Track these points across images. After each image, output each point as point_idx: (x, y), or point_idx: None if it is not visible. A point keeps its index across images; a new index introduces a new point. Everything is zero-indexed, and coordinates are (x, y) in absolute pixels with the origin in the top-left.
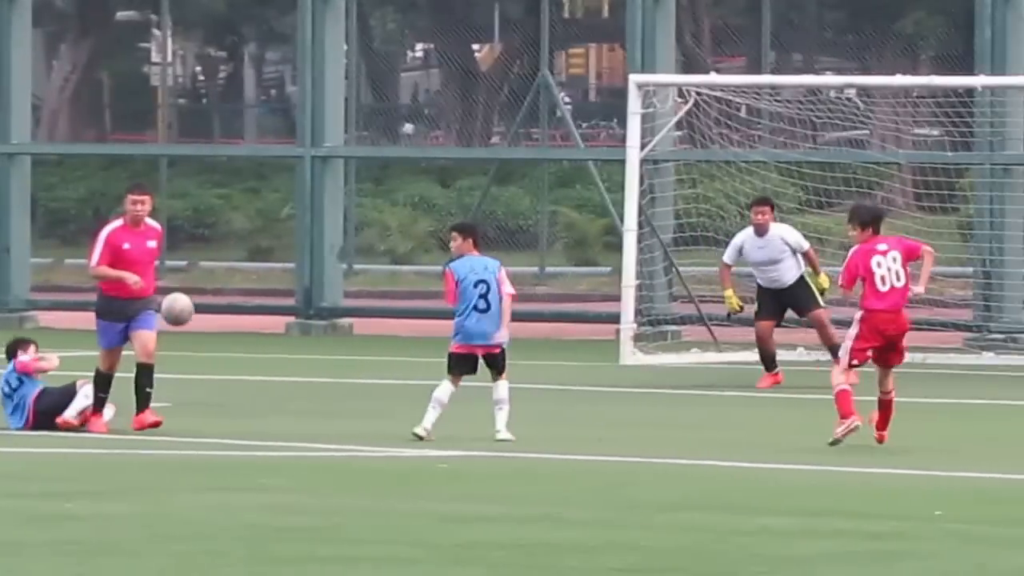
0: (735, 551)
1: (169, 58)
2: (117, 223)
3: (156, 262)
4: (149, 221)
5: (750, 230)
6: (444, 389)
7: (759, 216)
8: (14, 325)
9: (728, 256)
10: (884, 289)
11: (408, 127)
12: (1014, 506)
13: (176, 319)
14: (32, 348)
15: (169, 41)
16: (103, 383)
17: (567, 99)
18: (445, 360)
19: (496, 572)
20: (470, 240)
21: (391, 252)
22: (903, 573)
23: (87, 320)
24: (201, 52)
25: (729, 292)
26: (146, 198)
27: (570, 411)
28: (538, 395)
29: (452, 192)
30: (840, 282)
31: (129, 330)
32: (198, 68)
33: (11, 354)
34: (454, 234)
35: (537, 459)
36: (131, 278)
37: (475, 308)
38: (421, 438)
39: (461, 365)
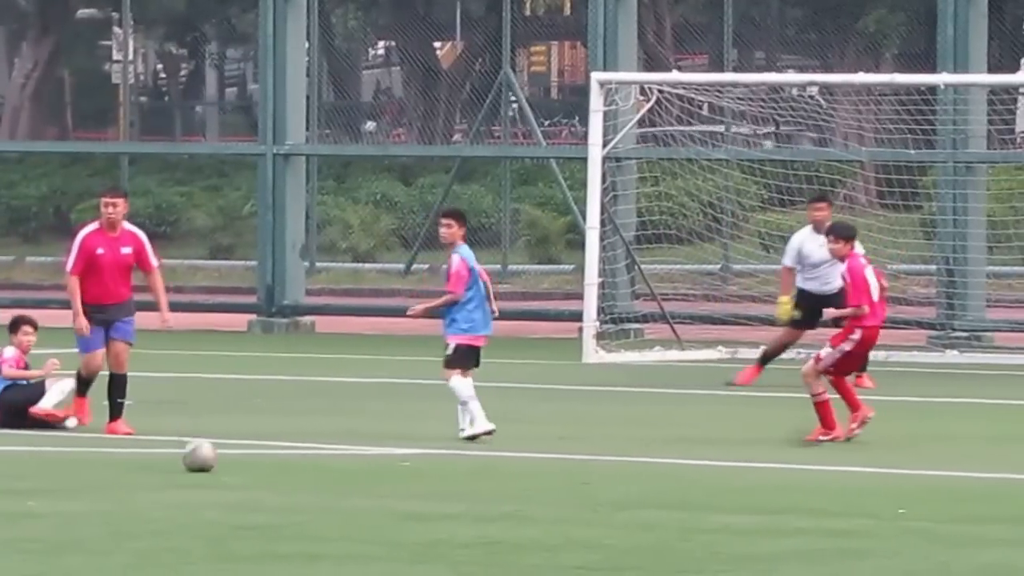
0: (697, 549)
1: (130, 56)
2: (92, 227)
3: (140, 266)
4: (128, 226)
5: (806, 230)
6: (465, 384)
7: (817, 213)
8: None
9: (789, 259)
10: (876, 303)
11: (370, 125)
12: (977, 504)
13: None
14: (29, 332)
15: (130, 39)
16: (84, 387)
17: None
18: (449, 355)
19: (458, 570)
20: (464, 228)
21: (353, 250)
22: (866, 571)
23: (48, 317)
24: (162, 50)
25: (786, 299)
26: (119, 200)
27: (532, 409)
28: (500, 393)
29: (414, 190)
30: (858, 302)
31: (108, 334)
32: (159, 66)
33: (13, 330)
34: (450, 221)
35: (499, 457)
36: (80, 322)
37: (483, 298)
38: (490, 433)
39: (470, 358)
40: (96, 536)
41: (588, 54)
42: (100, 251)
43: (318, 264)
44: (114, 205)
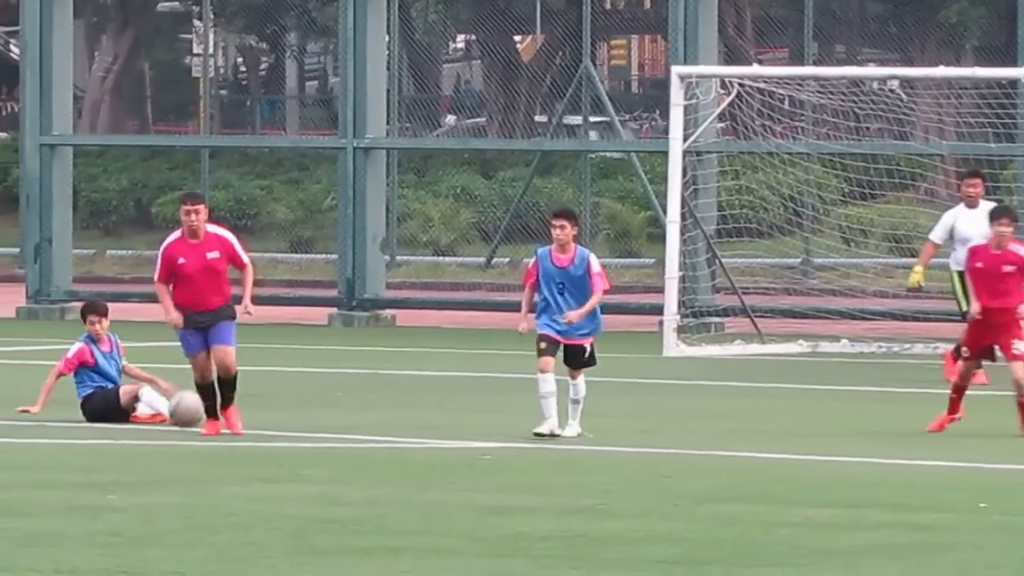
0: (778, 543)
1: (211, 49)
2: (175, 235)
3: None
4: (213, 229)
5: (960, 207)
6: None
7: (971, 188)
8: (55, 316)
9: (936, 234)
10: None
11: (450, 118)
12: None
13: (187, 420)
14: (94, 320)
15: (211, 32)
16: (206, 392)
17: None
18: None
19: (537, 564)
20: (577, 228)
21: (433, 243)
22: (947, 565)
23: (128, 311)
24: (243, 43)
25: (920, 268)
26: (199, 207)
27: (612, 402)
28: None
29: (494, 183)
30: None
31: (208, 341)
32: (240, 59)
33: (85, 317)
34: (564, 222)
35: (579, 451)
36: (171, 315)
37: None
38: (553, 434)
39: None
40: (175, 529)
41: (668, 47)
42: (182, 260)
43: (398, 258)
44: (196, 212)
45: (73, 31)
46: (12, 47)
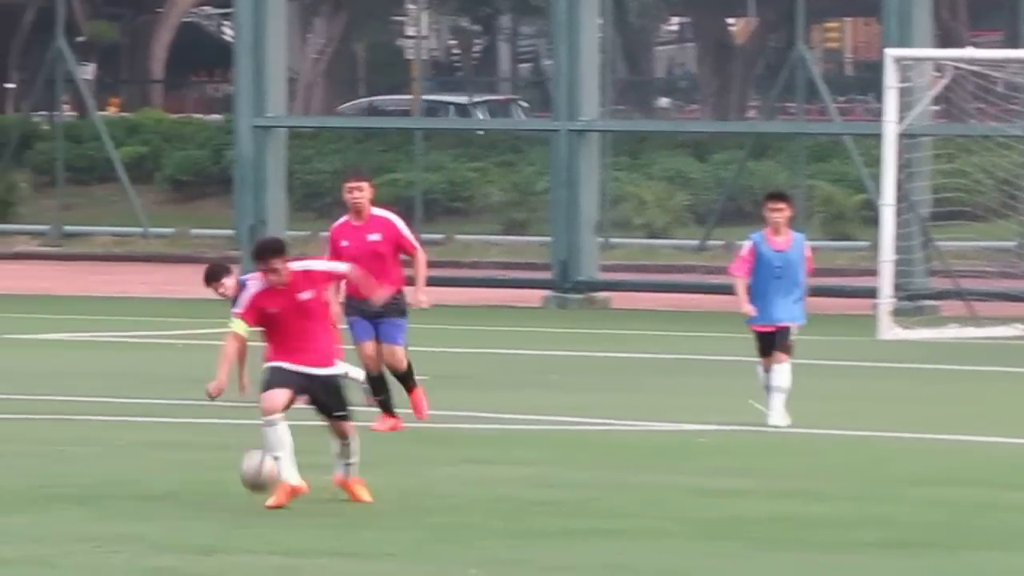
0: (992, 526)
1: (424, 31)
2: (343, 218)
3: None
4: (378, 212)
5: None
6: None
7: None
8: None
9: None
10: None
11: (663, 101)
12: None
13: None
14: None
15: (423, 14)
16: (377, 387)
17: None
18: (753, 340)
19: (751, 546)
20: (793, 210)
21: (647, 226)
22: None
23: None
24: (455, 25)
25: None
26: (362, 184)
27: (826, 385)
28: (794, 369)
29: (708, 166)
30: None
31: (379, 335)
32: (452, 41)
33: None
34: (782, 204)
35: (793, 433)
36: (333, 309)
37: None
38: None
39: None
40: (391, 511)
41: (882, 30)
42: (344, 243)
43: (612, 240)
44: (359, 189)
45: (287, 14)
46: (226, 29)
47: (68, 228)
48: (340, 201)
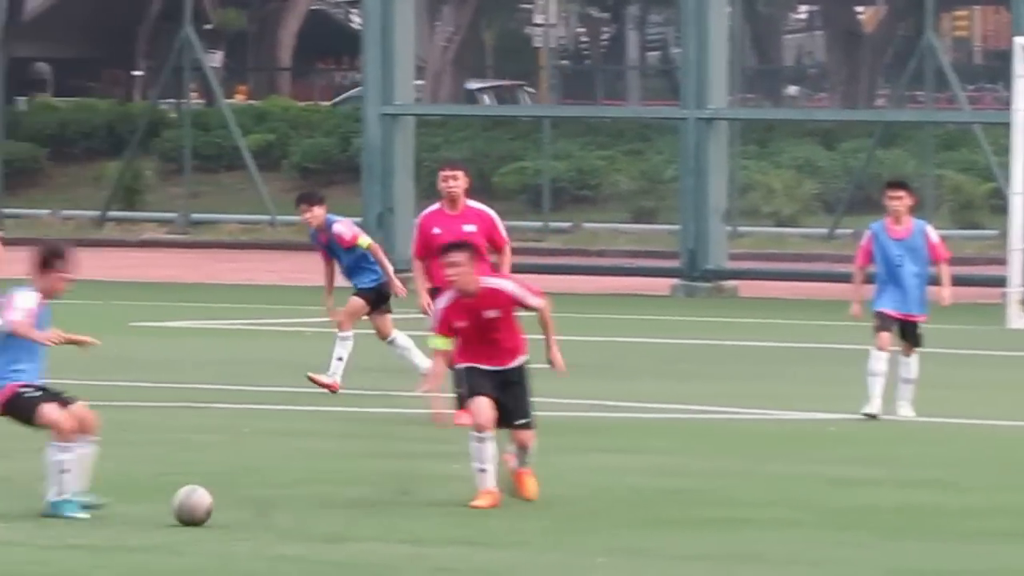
0: None
1: (552, 19)
2: (434, 206)
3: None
4: (474, 204)
5: None
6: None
7: None
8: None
9: None
10: None
11: (792, 89)
12: None
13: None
14: (323, 209)
15: (552, 2)
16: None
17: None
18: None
19: (881, 535)
20: (914, 199)
21: (775, 214)
22: None
23: None
24: (584, 13)
25: None
26: (458, 173)
27: (955, 374)
28: (922, 358)
29: (836, 154)
30: None
31: None
32: (581, 29)
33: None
34: (901, 192)
35: (924, 423)
36: (422, 300)
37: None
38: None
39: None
40: (519, 500)
41: (1012, 18)
42: (437, 231)
43: (740, 228)
44: (453, 178)
45: (415, 1)
46: (353, 17)
47: (195, 216)
48: (470, 189)
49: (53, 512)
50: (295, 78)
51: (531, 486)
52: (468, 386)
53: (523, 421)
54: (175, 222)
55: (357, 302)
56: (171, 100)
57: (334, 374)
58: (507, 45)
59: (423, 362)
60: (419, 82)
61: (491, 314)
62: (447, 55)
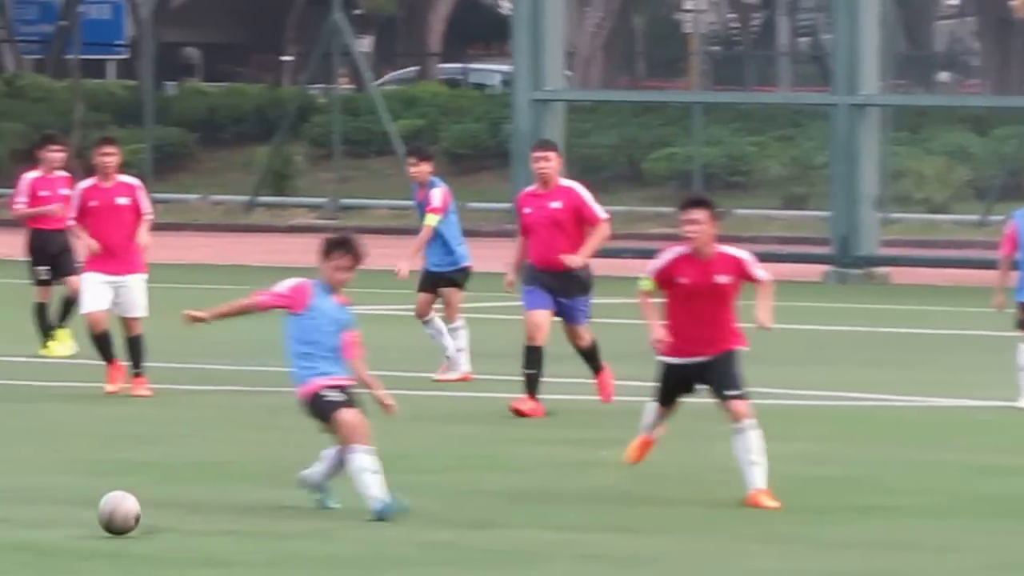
0: None
1: (702, 5)
2: (531, 186)
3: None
4: (565, 182)
5: None
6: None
7: None
8: None
9: None
10: None
11: (943, 75)
12: None
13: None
14: (431, 167)
15: None
16: (531, 359)
17: None
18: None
19: None
20: None
21: (927, 201)
22: None
23: (620, 267)
24: None
25: None
26: (549, 154)
27: None
28: None
29: (989, 141)
30: None
31: (561, 313)
32: (731, 15)
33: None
34: None
35: None
36: (507, 279)
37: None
38: None
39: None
40: (668, 485)
41: None
42: (527, 210)
43: (892, 215)
44: (545, 159)
45: None
46: (503, 3)
47: (345, 201)
48: (619, 175)
49: (382, 517)
50: (444, 63)
51: (766, 502)
52: (664, 390)
53: (733, 392)
54: (324, 207)
55: (455, 295)
56: (320, 85)
57: (459, 366)
58: (657, 31)
59: (452, 349)
60: (567, 73)
61: (722, 279)
62: (597, 41)
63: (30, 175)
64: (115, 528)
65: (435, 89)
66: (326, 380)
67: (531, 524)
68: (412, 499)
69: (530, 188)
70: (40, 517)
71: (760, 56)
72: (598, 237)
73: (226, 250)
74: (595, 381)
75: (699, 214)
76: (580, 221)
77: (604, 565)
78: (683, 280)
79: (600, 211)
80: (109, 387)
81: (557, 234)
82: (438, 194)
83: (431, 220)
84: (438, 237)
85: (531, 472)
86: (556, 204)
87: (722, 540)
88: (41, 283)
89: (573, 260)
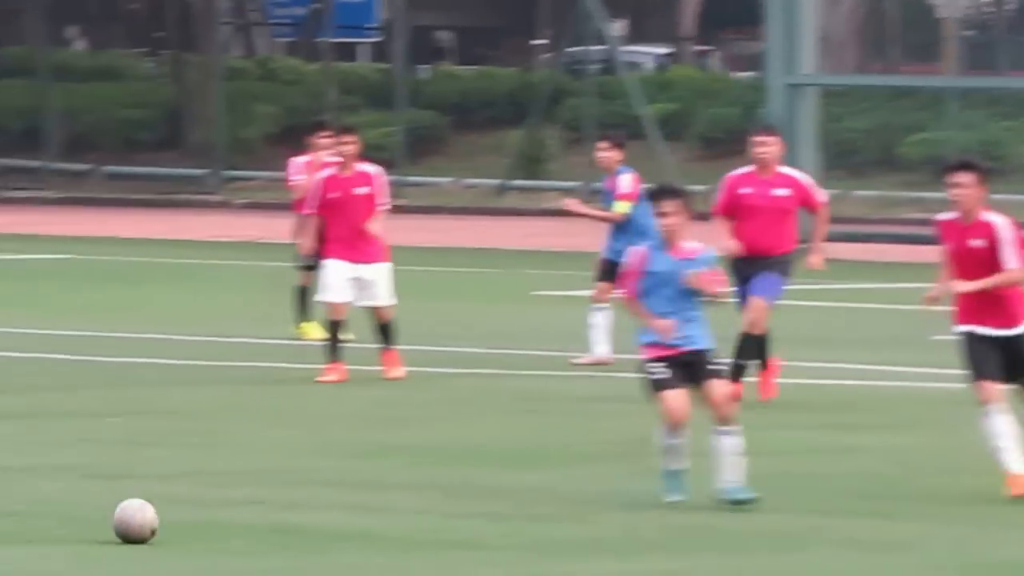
0: None
1: None
2: (743, 169)
3: (793, 215)
4: (786, 170)
5: None
6: None
7: None
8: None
9: None
10: None
11: None
12: None
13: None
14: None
15: None
16: (746, 349)
17: None
18: None
19: None
20: None
21: None
22: None
23: (874, 252)
24: None
25: None
26: (768, 139)
27: None
28: None
29: None
30: None
31: (752, 287)
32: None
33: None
34: None
35: None
36: (727, 245)
37: None
38: None
39: None
40: (922, 472)
41: None
42: (746, 190)
43: None
44: (764, 144)
45: None
46: None
47: (597, 186)
48: (872, 160)
49: (735, 501)
50: (697, 47)
51: None
52: (974, 364)
53: None
54: (578, 191)
55: (604, 286)
56: (574, 68)
57: (603, 349)
58: (911, 15)
59: (600, 347)
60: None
61: (976, 243)
62: (850, 25)
63: (300, 159)
64: (131, 538)
65: (689, 73)
66: (657, 353)
67: (787, 509)
68: (662, 484)
69: (745, 170)
70: (296, 499)
71: (1015, 41)
72: (826, 223)
73: (481, 233)
74: (758, 377)
75: (964, 177)
76: (800, 208)
77: (862, 551)
78: (949, 246)
79: (823, 194)
80: (393, 372)
81: (779, 221)
82: (628, 179)
83: (623, 207)
84: (630, 225)
85: (786, 457)
86: (782, 192)
87: (981, 527)
88: (306, 268)
89: (817, 263)
